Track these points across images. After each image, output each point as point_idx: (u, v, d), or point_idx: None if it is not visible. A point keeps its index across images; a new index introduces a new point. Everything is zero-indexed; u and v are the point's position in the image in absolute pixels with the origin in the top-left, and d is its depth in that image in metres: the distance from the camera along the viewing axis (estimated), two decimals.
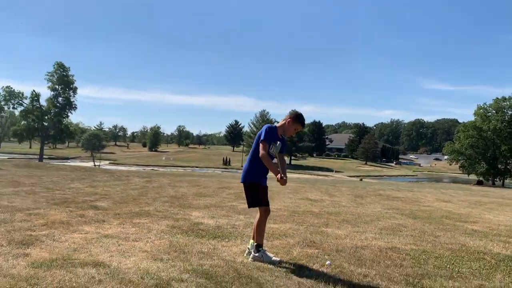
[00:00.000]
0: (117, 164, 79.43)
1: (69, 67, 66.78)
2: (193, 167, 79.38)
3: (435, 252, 4.99)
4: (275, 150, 4.31)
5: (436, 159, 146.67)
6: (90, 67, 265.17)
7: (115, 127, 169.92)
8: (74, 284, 3.13)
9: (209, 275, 3.47)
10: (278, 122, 4.70)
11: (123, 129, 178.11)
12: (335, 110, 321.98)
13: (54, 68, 65.88)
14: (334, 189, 16.26)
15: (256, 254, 4.17)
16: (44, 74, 66.63)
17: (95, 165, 67.26)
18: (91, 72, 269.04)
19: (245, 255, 4.38)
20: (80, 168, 33.71)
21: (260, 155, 4.22)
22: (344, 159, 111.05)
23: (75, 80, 68.26)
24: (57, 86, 66.50)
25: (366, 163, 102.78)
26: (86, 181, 13.61)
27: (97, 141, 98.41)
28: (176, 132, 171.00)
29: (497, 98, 59.64)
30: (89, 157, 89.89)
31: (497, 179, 60.64)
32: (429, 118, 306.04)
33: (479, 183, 56.98)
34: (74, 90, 68.63)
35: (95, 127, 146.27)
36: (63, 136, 73.18)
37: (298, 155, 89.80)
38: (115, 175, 19.49)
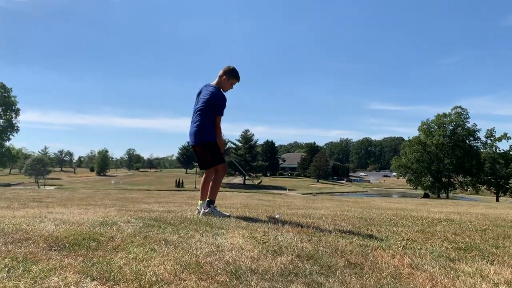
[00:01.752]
0: (63, 189, 76.04)
1: (11, 88, 63.86)
2: (144, 190, 77.31)
3: (380, 216, 5.17)
4: None
5: (385, 175, 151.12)
6: (30, 91, 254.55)
7: (60, 152, 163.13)
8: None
9: (158, 219, 3.42)
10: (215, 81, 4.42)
11: (69, 154, 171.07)
12: (287, 131, 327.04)
13: None
14: (287, 197, 16.51)
15: (207, 210, 4.08)
16: None
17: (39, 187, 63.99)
18: (32, 96, 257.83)
19: (195, 214, 4.31)
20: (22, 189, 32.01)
21: (218, 129, 4.27)
22: (297, 178, 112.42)
23: (18, 102, 65.34)
24: None
25: (318, 181, 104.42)
26: (28, 190, 12.97)
27: (42, 166, 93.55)
28: (126, 156, 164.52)
29: (439, 114, 62.95)
30: (33, 183, 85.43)
31: (442, 192, 63.32)
32: (377, 137, 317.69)
33: (426, 196, 59.22)
34: (17, 112, 65.45)
35: (39, 152, 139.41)
36: (4, 160, 69.46)
37: (252, 174, 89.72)
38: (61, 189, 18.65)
